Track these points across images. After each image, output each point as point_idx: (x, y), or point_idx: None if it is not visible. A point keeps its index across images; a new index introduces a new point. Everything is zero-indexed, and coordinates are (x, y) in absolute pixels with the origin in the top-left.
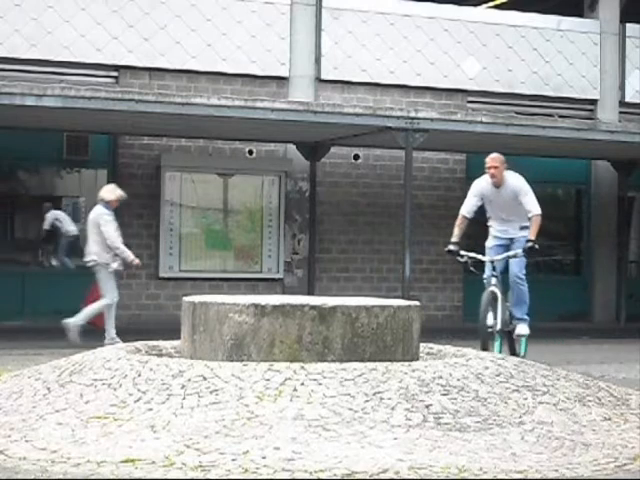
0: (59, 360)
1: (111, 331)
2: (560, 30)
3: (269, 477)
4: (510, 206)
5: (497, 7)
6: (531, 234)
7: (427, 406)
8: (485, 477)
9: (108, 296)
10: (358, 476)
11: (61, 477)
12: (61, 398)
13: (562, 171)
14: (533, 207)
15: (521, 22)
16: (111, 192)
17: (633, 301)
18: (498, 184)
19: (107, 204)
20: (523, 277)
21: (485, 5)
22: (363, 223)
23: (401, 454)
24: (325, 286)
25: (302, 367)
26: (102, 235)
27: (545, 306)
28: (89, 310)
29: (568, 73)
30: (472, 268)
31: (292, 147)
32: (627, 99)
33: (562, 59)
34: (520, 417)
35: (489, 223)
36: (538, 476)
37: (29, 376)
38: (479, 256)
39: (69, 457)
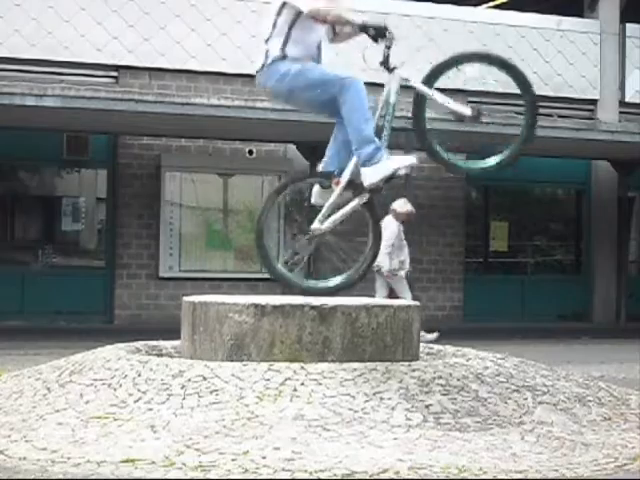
0: (59, 360)
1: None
2: (560, 30)
3: (269, 477)
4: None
5: (497, 7)
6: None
7: (427, 406)
8: (485, 477)
9: (407, 297)
10: (358, 476)
11: (61, 477)
12: (61, 398)
13: (562, 171)
14: None
15: (521, 22)
16: (401, 206)
17: (633, 301)
18: None
19: (397, 215)
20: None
21: (485, 5)
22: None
23: (401, 454)
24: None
25: (302, 367)
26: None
27: (545, 306)
28: None
29: (568, 73)
30: None
31: (292, 147)
32: (627, 99)
33: (562, 59)
34: (520, 417)
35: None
36: (538, 476)
37: (29, 376)
38: None
39: (69, 457)
